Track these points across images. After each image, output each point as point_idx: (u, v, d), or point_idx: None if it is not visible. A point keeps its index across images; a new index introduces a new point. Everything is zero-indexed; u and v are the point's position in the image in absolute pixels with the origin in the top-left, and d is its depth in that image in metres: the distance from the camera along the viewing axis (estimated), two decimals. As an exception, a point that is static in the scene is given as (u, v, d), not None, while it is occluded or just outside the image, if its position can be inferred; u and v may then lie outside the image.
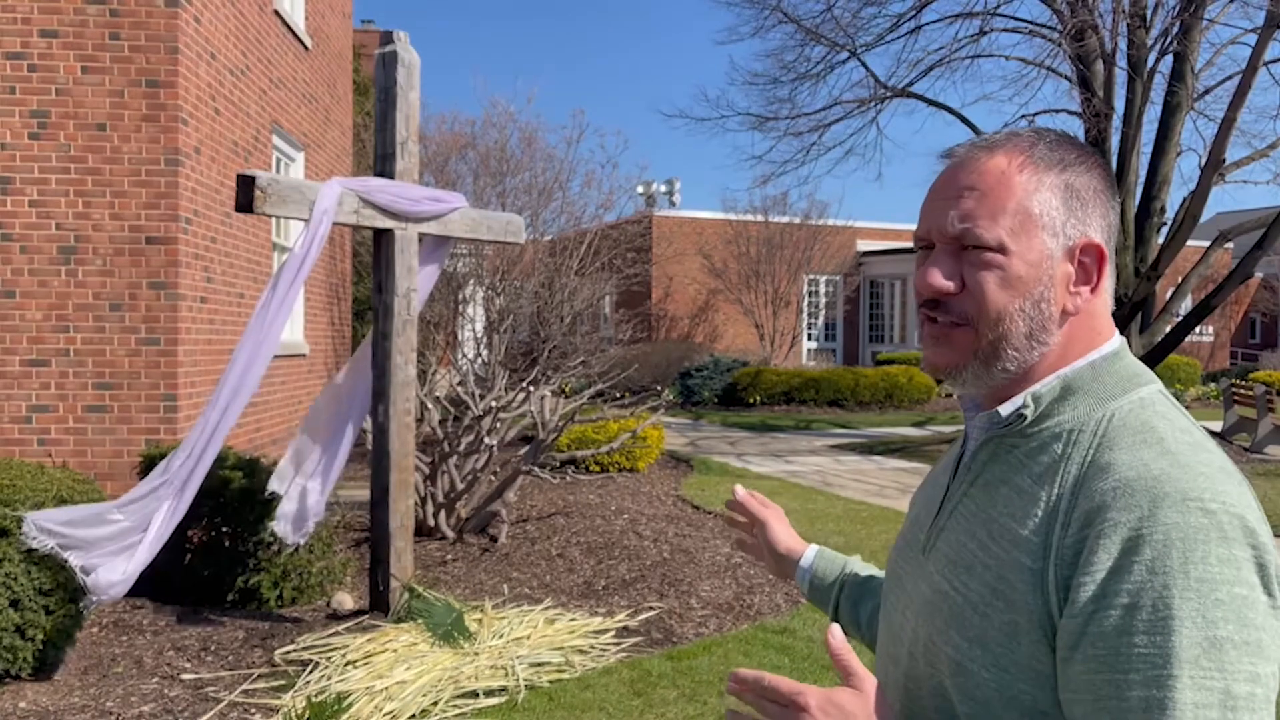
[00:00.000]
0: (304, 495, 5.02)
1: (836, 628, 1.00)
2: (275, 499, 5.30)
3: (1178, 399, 21.26)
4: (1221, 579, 0.88)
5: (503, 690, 4.37)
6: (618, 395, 15.29)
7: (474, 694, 4.33)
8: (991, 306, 1.03)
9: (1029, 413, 1.04)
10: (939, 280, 1.06)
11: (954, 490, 1.11)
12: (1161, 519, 0.90)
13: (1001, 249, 1.03)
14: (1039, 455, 1.03)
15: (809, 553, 1.51)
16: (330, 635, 4.96)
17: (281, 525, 5.11)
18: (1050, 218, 1.04)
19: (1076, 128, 13.25)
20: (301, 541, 5.14)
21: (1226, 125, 12.39)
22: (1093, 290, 1.06)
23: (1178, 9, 12.38)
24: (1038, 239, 1.04)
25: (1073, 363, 1.06)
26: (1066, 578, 0.93)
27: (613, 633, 5.18)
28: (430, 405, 7.56)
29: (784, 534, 1.53)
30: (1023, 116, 13.97)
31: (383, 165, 5.35)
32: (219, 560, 5.59)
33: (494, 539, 7.20)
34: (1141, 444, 0.97)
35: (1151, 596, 0.88)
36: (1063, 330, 1.06)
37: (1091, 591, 0.90)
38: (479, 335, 13.09)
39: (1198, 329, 21.81)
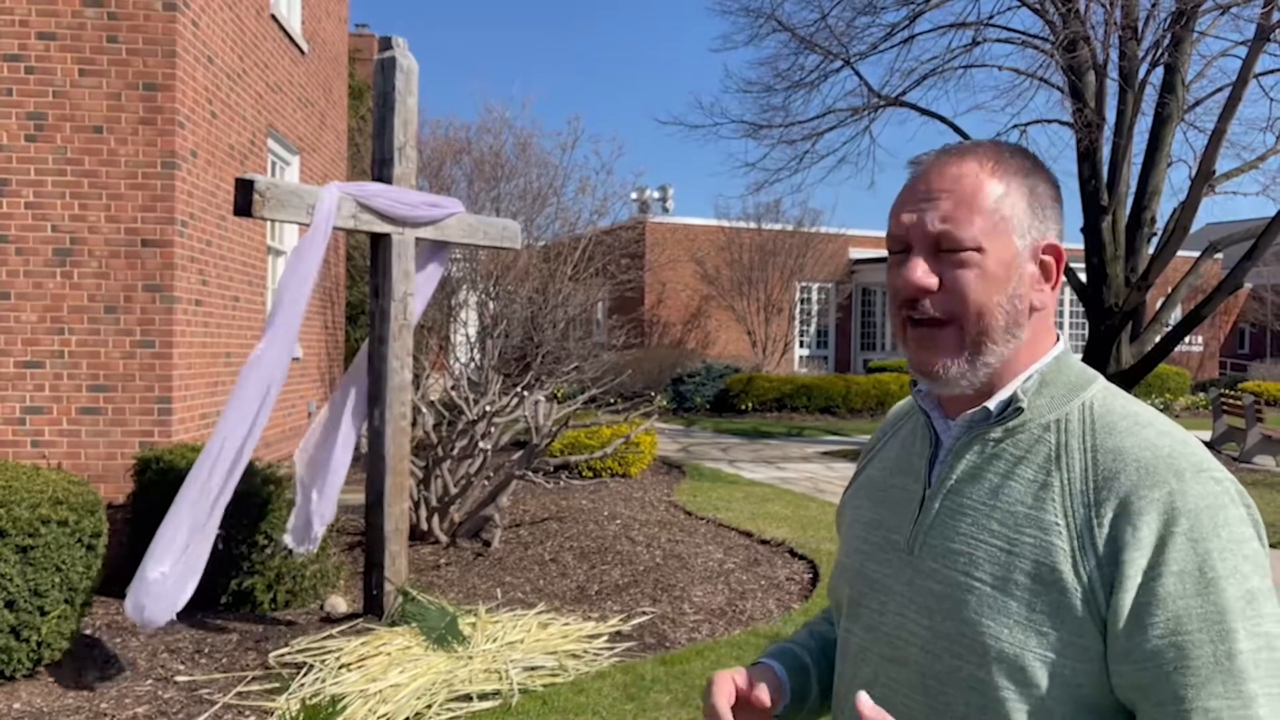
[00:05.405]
0: (307, 501, 5.04)
1: (864, 694, 1.03)
2: (279, 504, 5.35)
3: (1168, 408, 21.41)
4: (1243, 537, 0.98)
5: (496, 694, 4.39)
6: (611, 401, 15.30)
7: (468, 697, 4.35)
8: (973, 301, 1.09)
9: (1024, 404, 1.10)
10: (924, 277, 1.10)
11: (935, 489, 1.15)
12: (1188, 490, 0.99)
13: (978, 248, 1.09)
14: (1035, 446, 1.09)
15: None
16: (324, 638, 4.97)
17: (287, 535, 5.15)
18: (1018, 220, 1.11)
19: (1068, 138, 13.34)
20: (311, 549, 5.16)
21: (1217, 137, 12.49)
22: (1053, 287, 1.14)
23: (1169, 21, 12.47)
24: (1008, 239, 1.11)
25: (1040, 359, 1.14)
26: (1112, 553, 0.99)
27: (606, 637, 5.20)
28: (424, 409, 7.58)
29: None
30: (1015, 126, 14.04)
31: (380, 170, 5.38)
32: (212, 563, 5.59)
33: (487, 543, 7.21)
34: (1137, 426, 1.06)
35: (1196, 562, 0.97)
36: (1030, 324, 1.13)
37: (1143, 565, 0.98)
38: (472, 340, 13.10)
39: (1187, 339, 21.92)
